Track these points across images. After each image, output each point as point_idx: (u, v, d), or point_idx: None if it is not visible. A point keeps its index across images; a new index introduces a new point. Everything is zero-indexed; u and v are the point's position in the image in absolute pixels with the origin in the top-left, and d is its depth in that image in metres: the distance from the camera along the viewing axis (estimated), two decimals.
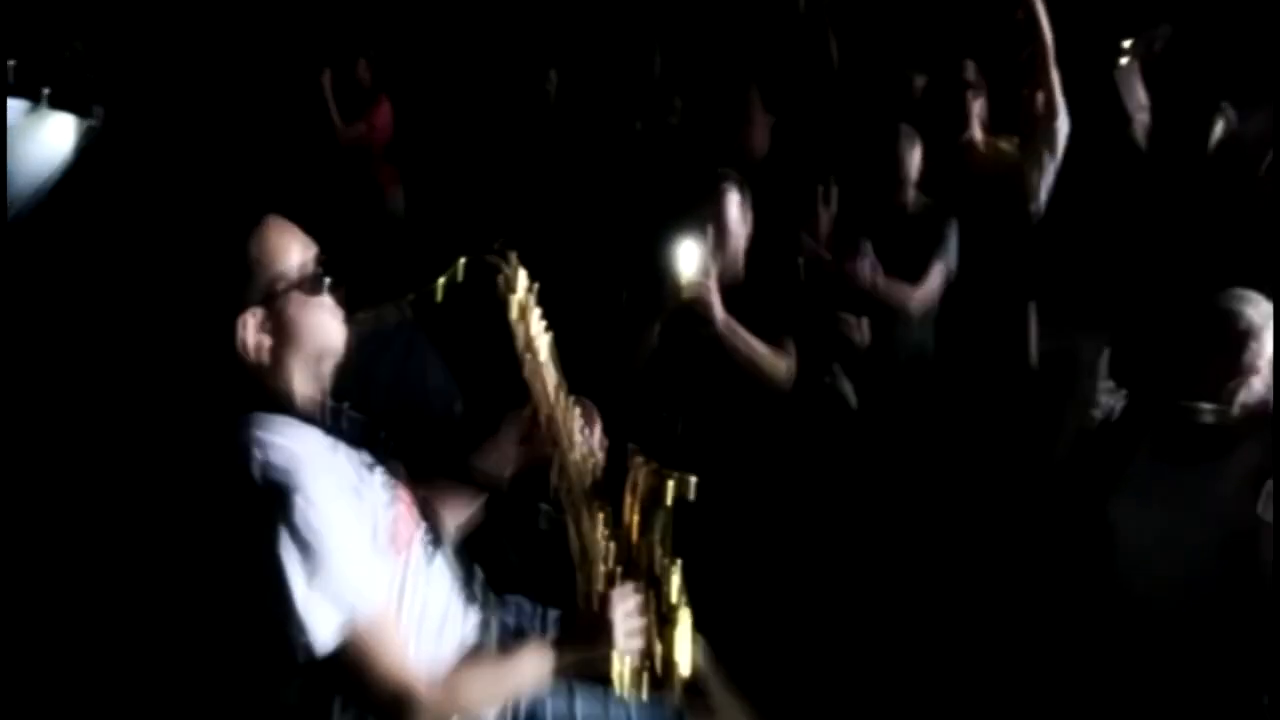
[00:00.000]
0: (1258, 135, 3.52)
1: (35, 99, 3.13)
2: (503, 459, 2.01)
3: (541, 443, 1.97)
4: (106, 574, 2.64)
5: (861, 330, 3.54)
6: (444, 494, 1.98)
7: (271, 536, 1.56)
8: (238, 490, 1.58)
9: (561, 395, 1.94)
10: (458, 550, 1.96)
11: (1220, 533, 2.44)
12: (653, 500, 1.88)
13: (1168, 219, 3.53)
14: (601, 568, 1.90)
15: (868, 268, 3.53)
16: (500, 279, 1.93)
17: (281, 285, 1.67)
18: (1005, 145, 3.85)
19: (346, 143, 4.98)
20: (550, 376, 1.94)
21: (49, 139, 3.08)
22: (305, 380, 1.72)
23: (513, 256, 1.94)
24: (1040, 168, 3.58)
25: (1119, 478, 2.60)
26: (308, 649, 1.58)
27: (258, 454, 1.58)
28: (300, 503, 1.57)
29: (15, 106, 3.20)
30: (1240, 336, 2.51)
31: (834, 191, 3.78)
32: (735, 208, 3.19)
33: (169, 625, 2.24)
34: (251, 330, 1.66)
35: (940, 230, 3.61)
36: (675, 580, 1.89)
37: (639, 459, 1.92)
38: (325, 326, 1.73)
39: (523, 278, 1.94)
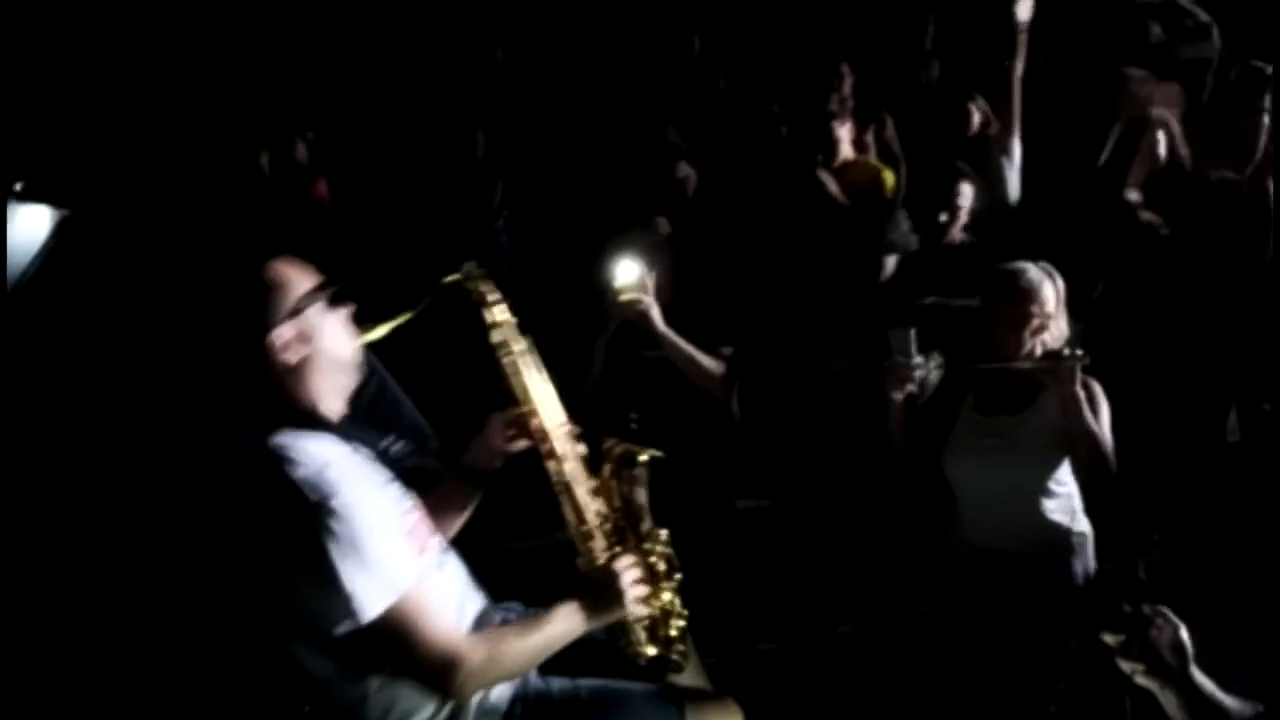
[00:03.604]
0: None
1: (5, 194, 3.32)
2: (490, 454, 2.21)
3: (525, 436, 2.17)
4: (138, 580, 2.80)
5: None
6: (436, 511, 2.15)
7: (314, 530, 1.74)
8: (278, 495, 1.77)
9: (542, 390, 2.14)
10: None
11: (1033, 469, 2.79)
12: (628, 470, 2.15)
13: None
14: (601, 540, 2.12)
15: None
16: (474, 292, 2.12)
17: (305, 302, 1.89)
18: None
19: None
20: (530, 374, 2.14)
21: (25, 229, 3.27)
22: (329, 394, 1.93)
23: (479, 272, 2.13)
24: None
25: (947, 436, 2.93)
26: (354, 621, 1.76)
27: (294, 459, 1.78)
28: (336, 497, 1.76)
29: None
30: (1024, 292, 2.84)
31: None
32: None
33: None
34: (283, 345, 1.87)
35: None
36: (662, 544, 2.16)
37: (610, 440, 2.18)
38: (345, 338, 1.95)
39: (492, 289, 2.14)
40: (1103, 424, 2.72)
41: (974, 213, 3.85)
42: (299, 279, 1.92)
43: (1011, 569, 2.81)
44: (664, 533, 2.17)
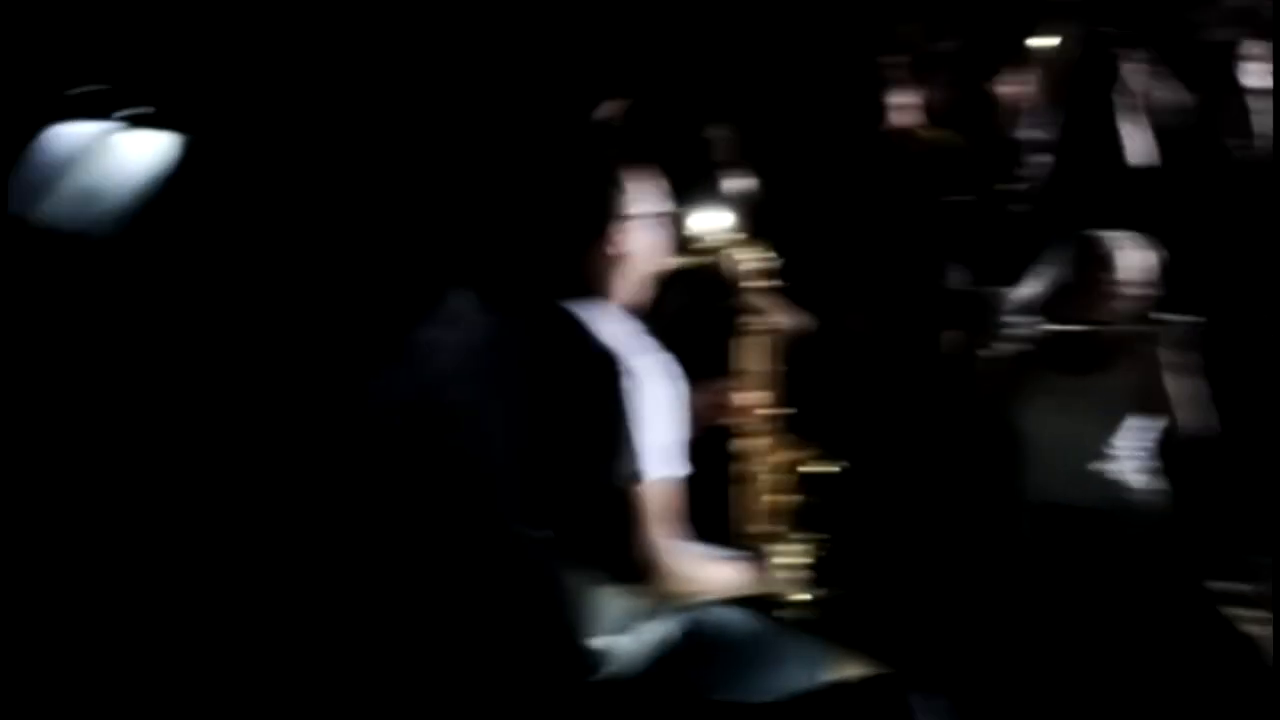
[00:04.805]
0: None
1: (115, 119, 3.28)
2: (695, 410, 2.31)
3: (723, 413, 2.38)
4: None
5: None
6: None
7: (622, 389, 1.93)
8: (591, 353, 1.98)
9: (764, 379, 2.35)
10: None
11: (1111, 428, 3.07)
12: (806, 476, 2.38)
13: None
14: (761, 527, 2.35)
15: None
16: (747, 264, 2.35)
17: (642, 210, 2.11)
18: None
19: None
20: (759, 361, 2.34)
21: (138, 156, 3.25)
22: (630, 293, 2.14)
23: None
24: None
25: (1024, 392, 3.19)
26: (636, 476, 1.93)
27: (605, 328, 2.02)
28: (647, 369, 1.97)
29: (91, 128, 3.34)
30: (1102, 259, 3.11)
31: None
32: None
33: None
34: (618, 235, 2.08)
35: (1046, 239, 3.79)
36: (817, 549, 2.39)
37: (795, 439, 2.40)
38: (655, 258, 2.18)
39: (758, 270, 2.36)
40: (1193, 385, 2.95)
41: (1033, 182, 3.99)
42: (642, 190, 2.13)
43: (1081, 523, 3.09)
44: (820, 538, 2.39)
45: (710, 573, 2.18)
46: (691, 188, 3.51)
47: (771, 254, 2.42)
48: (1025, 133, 4.29)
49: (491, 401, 2.21)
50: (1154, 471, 3.14)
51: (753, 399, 2.37)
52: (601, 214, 2.09)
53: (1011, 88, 4.51)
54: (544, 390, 2.02)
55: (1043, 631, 3.05)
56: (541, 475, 2.03)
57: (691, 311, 3.38)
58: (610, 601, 2.08)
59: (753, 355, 2.37)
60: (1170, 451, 3.09)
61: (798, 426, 2.44)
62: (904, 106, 4.19)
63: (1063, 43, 4.65)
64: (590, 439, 1.96)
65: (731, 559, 2.25)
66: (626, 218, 2.10)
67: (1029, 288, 3.34)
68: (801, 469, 2.41)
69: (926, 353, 3.63)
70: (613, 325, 2.07)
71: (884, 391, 3.58)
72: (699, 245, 2.48)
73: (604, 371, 1.96)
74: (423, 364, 3.10)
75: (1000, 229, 3.91)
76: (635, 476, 1.95)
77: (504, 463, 2.13)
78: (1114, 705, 2.91)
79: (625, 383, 1.95)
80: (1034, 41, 4.71)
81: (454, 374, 3.08)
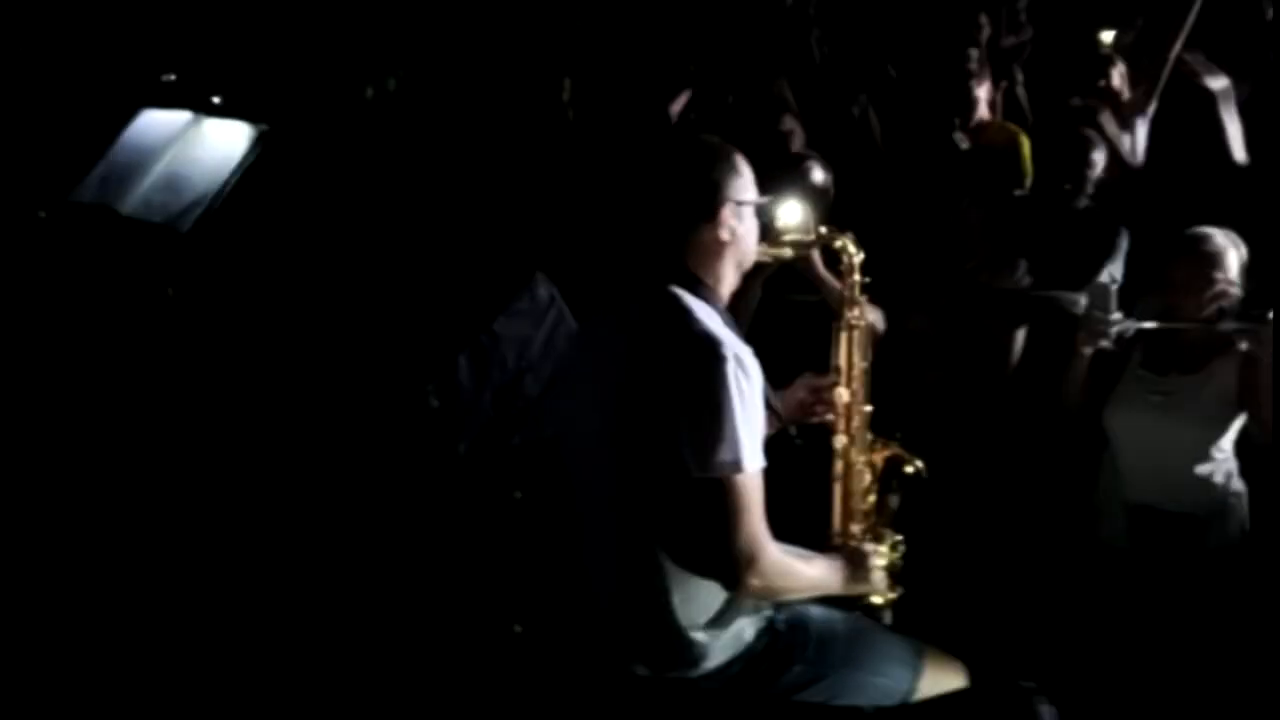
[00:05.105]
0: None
1: (202, 108, 3.31)
2: (788, 405, 2.36)
3: (820, 407, 2.37)
4: None
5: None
6: None
7: (722, 375, 1.91)
8: (691, 340, 1.95)
9: (861, 376, 2.34)
10: None
11: (1201, 430, 2.97)
12: (891, 475, 2.37)
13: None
14: (859, 525, 2.33)
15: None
16: (847, 259, 2.33)
17: (753, 199, 2.12)
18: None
19: None
20: (859, 357, 2.33)
21: (221, 145, 3.27)
22: (730, 283, 2.13)
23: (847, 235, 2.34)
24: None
25: (1112, 390, 3.09)
26: (735, 466, 1.90)
27: (706, 317, 2.00)
28: (743, 359, 1.95)
29: (180, 117, 3.37)
30: (1209, 256, 3.00)
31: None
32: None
33: None
34: (729, 217, 2.07)
35: (1111, 237, 3.80)
36: (900, 551, 2.36)
37: (883, 441, 2.38)
38: (755, 246, 2.17)
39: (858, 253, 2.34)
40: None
41: (1098, 181, 3.93)
42: (748, 176, 2.13)
43: (1166, 525, 3.03)
44: (901, 540, 2.37)
45: (808, 569, 2.14)
46: (771, 180, 3.57)
47: (859, 249, 2.38)
48: (1104, 129, 4.26)
49: (576, 389, 2.20)
50: (1246, 473, 3.09)
51: (851, 396, 2.34)
52: (715, 196, 2.06)
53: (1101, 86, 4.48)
54: (646, 375, 1.98)
55: (1135, 636, 3.02)
56: (639, 463, 2.00)
57: (776, 305, 3.44)
58: (710, 595, 2.06)
59: (851, 351, 2.35)
60: (1263, 453, 3.03)
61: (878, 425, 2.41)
62: (978, 101, 4.18)
63: (1130, 36, 4.59)
64: (692, 426, 1.91)
65: (825, 557, 2.22)
66: (739, 202, 2.09)
67: (1111, 285, 3.25)
68: (899, 468, 2.39)
69: (990, 351, 3.58)
70: (714, 313, 2.05)
71: (949, 391, 3.54)
72: (787, 238, 2.44)
73: (709, 357, 1.93)
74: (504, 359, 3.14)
75: (1069, 226, 3.86)
76: (737, 466, 1.91)
77: (592, 451, 2.11)
78: (1200, 707, 2.88)
79: (730, 369, 1.92)
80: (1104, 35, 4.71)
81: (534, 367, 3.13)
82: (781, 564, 2.02)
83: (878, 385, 2.42)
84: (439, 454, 2.92)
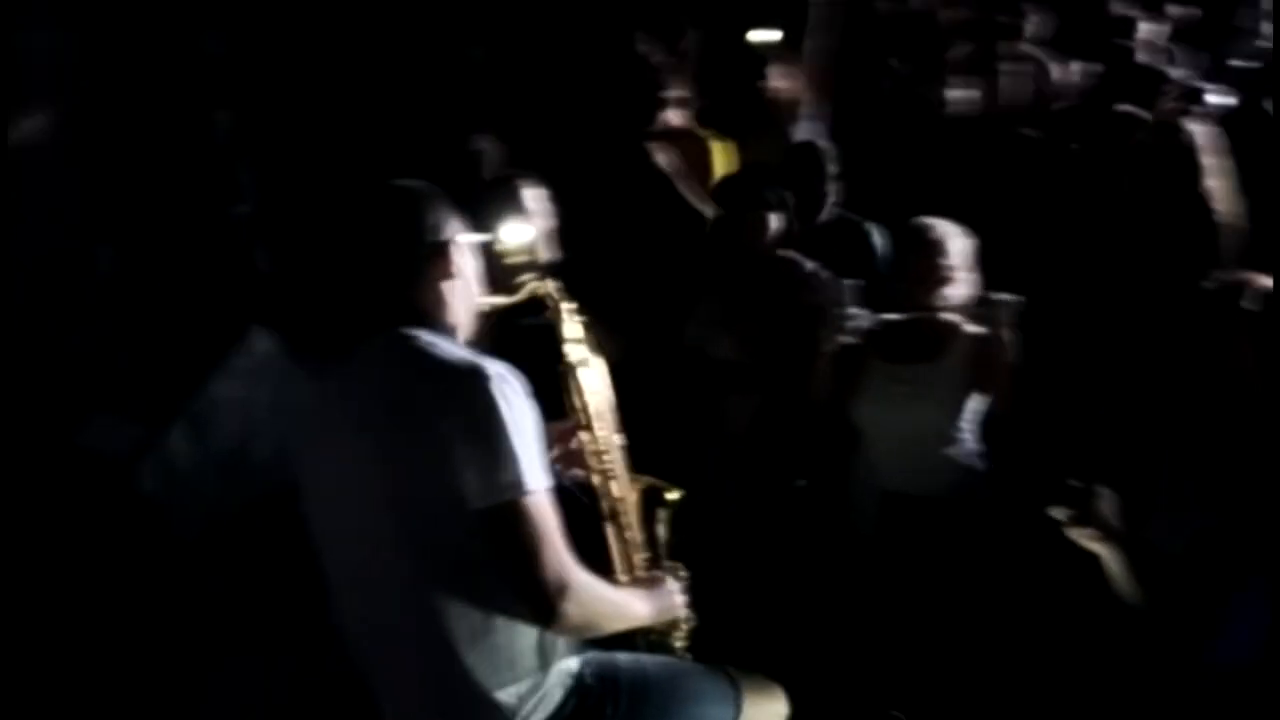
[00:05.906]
0: None
1: None
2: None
3: (576, 456, 2.24)
4: None
5: None
6: None
7: (491, 398, 1.78)
8: (450, 371, 1.83)
9: (603, 413, 2.22)
10: None
11: (944, 414, 3.05)
12: (655, 504, 2.29)
13: None
14: (641, 555, 2.23)
15: None
16: (551, 305, 2.20)
17: (466, 236, 2.01)
18: None
19: None
20: (594, 396, 2.20)
21: None
22: (466, 326, 2.00)
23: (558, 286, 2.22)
24: None
25: (861, 384, 3.18)
26: (518, 487, 1.76)
27: (460, 349, 1.90)
28: (507, 380, 1.82)
29: None
30: (932, 245, 3.11)
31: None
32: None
33: None
34: (459, 252, 1.97)
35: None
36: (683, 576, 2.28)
37: (636, 476, 2.27)
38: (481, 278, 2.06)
39: (570, 304, 2.21)
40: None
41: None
42: (455, 211, 2.02)
43: (917, 510, 3.11)
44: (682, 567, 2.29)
45: (620, 595, 2.05)
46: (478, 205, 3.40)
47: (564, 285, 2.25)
48: (800, 129, 4.37)
49: (320, 450, 2.00)
50: (989, 451, 3.21)
51: (593, 436, 2.21)
52: (435, 238, 1.95)
53: (781, 84, 4.59)
54: (404, 412, 1.83)
55: (894, 622, 3.09)
56: (416, 512, 1.83)
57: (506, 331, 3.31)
58: (515, 651, 1.90)
59: (582, 391, 2.21)
60: (1004, 429, 3.16)
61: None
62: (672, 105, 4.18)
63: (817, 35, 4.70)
64: (464, 454, 1.77)
65: (628, 587, 2.12)
66: (453, 241, 1.97)
67: (848, 284, 3.33)
68: (660, 497, 2.30)
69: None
70: (460, 345, 1.93)
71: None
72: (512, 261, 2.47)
73: (469, 376, 1.80)
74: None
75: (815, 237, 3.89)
76: (519, 487, 1.77)
77: (357, 514, 1.91)
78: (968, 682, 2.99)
79: (494, 385, 1.78)
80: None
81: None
82: (595, 588, 1.89)
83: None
84: (160, 543, 2.62)
